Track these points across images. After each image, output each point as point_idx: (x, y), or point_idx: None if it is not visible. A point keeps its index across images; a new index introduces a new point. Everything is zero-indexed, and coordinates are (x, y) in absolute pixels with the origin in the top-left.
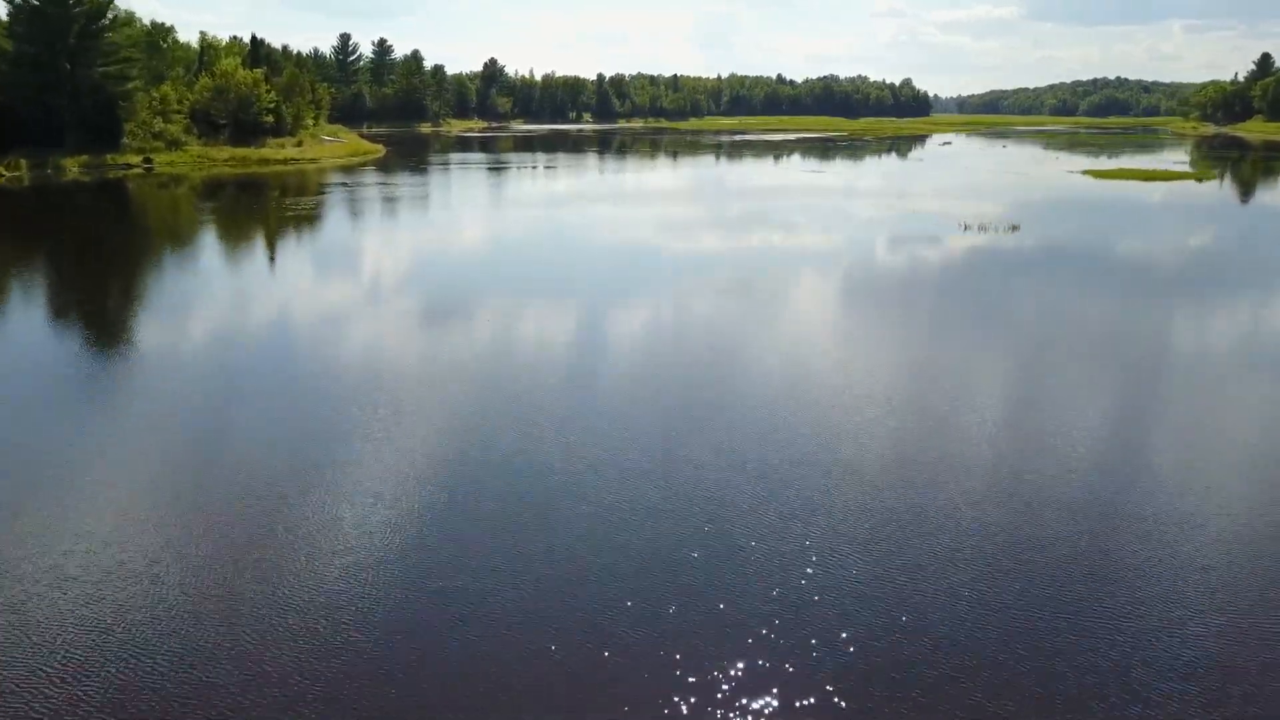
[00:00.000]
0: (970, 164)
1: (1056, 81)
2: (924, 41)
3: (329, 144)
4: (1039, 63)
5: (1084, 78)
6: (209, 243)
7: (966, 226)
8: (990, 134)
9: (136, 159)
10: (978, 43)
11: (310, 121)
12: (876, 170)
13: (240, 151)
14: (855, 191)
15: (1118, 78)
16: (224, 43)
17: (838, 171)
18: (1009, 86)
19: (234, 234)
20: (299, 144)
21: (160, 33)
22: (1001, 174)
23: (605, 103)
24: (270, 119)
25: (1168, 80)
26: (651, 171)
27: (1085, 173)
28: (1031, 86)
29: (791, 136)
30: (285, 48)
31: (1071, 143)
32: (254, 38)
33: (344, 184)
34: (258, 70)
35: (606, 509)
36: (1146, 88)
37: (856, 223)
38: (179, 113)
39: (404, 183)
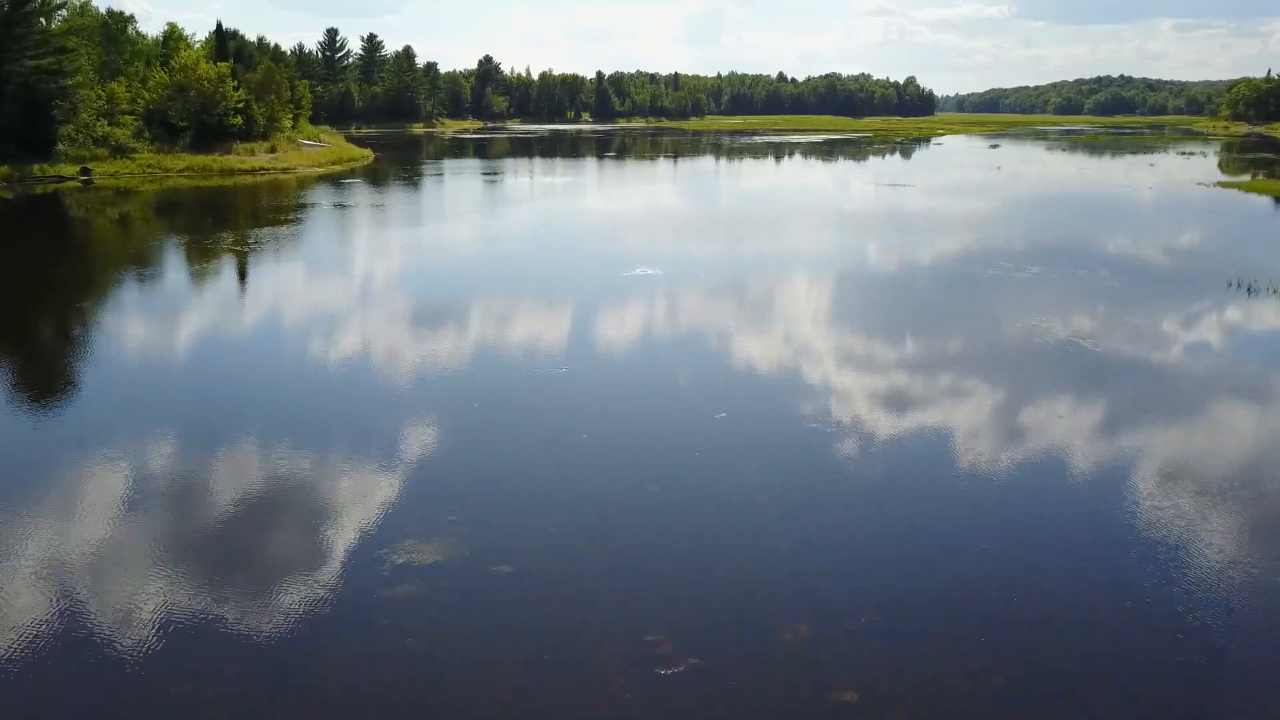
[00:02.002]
0: (1063, 173)
1: (1057, 80)
2: (913, 40)
3: (309, 149)
4: (1028, 61)
5: (1072, 77)
6: (105, 319)
7: (1232, 284)
8: (1018, 135)
9: (72, 170)
10: (968, 41)
11: (288, 123)
12: (969, 184)
13: (200, 159)
14: (995, 220)
15: (1121, 76)
16: (194, 37)
17: (920, 188)
18: (1003, 85)
19: (138, 301)
20: (272, 149)
21: (118, 22)
22: (1123, 188)
23: (605, 102)
24: (238, 121)
25: (1168, 78)
26: (674, 184)
27: (1219, 184)
28: (1032, 85)
29: (815, 138)
30: (261, 40)
31: (1122, 144)
32: (219, 26)
33: (318, 204)
34: (224, 64)
35: None
36: (1152, 85)
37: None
38: (131, 114)
39: (390, 201)
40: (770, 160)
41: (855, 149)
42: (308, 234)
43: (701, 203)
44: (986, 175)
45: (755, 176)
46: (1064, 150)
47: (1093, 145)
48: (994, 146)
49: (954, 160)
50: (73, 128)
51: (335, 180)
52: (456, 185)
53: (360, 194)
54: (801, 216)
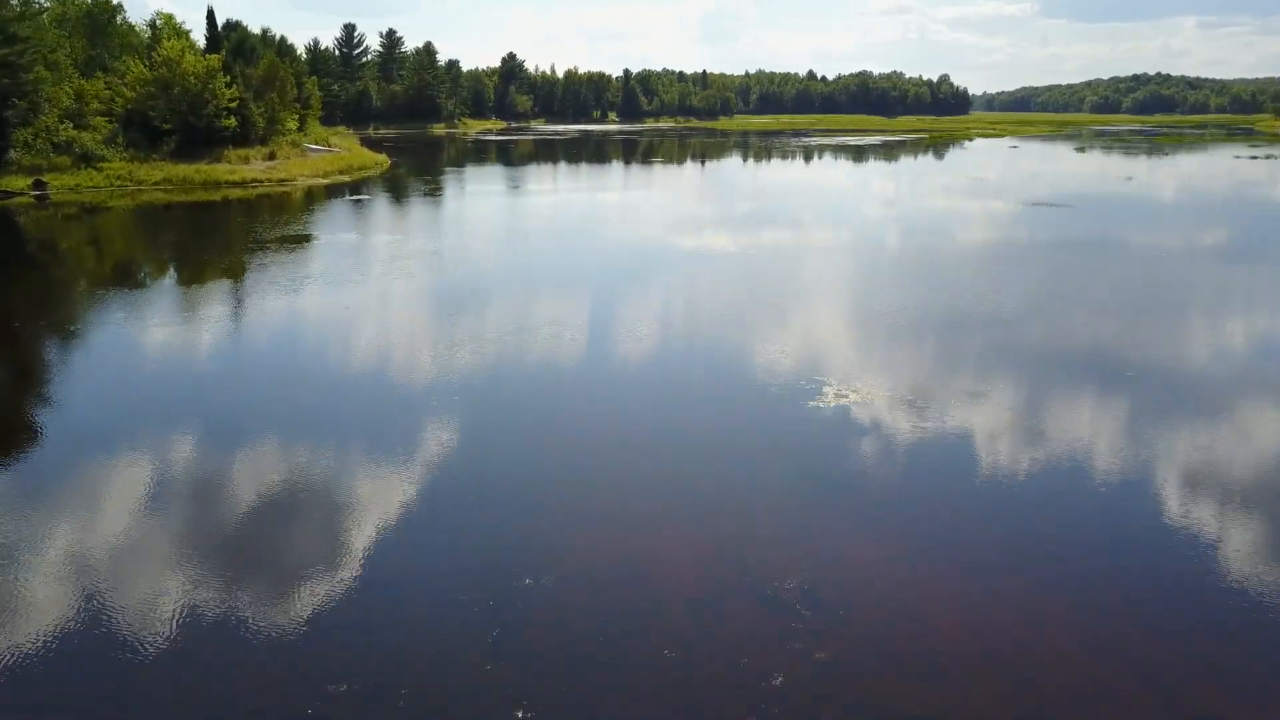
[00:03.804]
0: (1211, 183)
1: (1087, 78)
2: (931, 39)
3: (315, 156)
4: (1046, 60)
5: (1092, 76)
6: None
7: None
8: (1078, 136)
9: (23, 183)
10: (986, 40)
11: (292, 125)
12: (1134, 201)
13: (181, 170)
14: None
15: (1159, 74)
16: (186, 26)
17: (1081, 209)
18: (1028, 84)
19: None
20: (271, 156)
21: (103, 11)
22: None
23: (632, 101)
24: (232, 123)
25: (1190, 75)
26: (746, 201)
27: None
28: (1064, 83)
29: (866, 140)
30: (265, 32)
31: (1205, 145)
32: (210, 13)
33: (308, 236)
34: (214, 56)
35: None
36: (1192, 84)
37: None
38: (106, 116)
39: (402, 232)
40: (845, 167)
41: (925, 153)
42: (267, 305)
43: (810, 236)
44: (1127, 186)
45: (855, 192)
46: (1164, 154)
47: (1179, 146)
48: (1080, 150)
49: (1057, 169)
50: (30, 132)
51: (341, 194)
52: (484, 206)
53: (365, 217)
54: (1017, 268)
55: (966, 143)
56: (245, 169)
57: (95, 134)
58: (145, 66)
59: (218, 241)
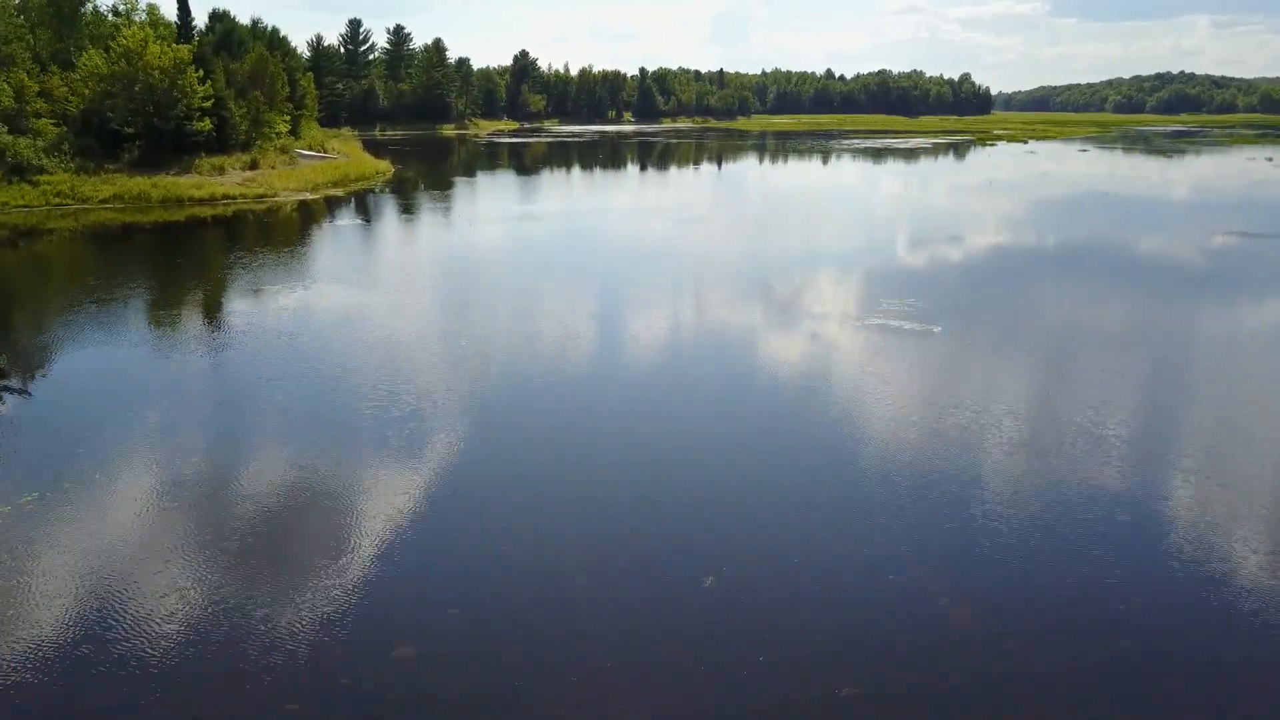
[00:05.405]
0: None
1: (1106, 78)
2: (943, 39)
3: (306, 163)
4: (1056, 59)
5: (1104, 75)
6: None
7: None
8: (1133, 138)
9: None
10: (997, 39)
11: (282, 128)
12: None
13: (138, 183)
14: None
15: (1181, 72)
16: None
17: None
18: (1043, 83)
19: None
20: (252, 165)
21: None
22: None
23: (648, 100)
24: (206, 126)
25: (1217, 75)
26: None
27: None
28: (1085, 82)
29: (912, 143)
30: (256, 23)
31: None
32: None
33: (255, 290)
34: (184, 47)
35: None
36: (1217, 83)
37: None
38: (57, 118)
39: (381, 284)
40: (923, 178)
41: (991, 159)
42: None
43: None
44: None
45: (981, 215)
46: (1268, 158)
47: (1258, 147)
48: (1166, 155)
49: (1180, 177)
50: None
51: (331, 214)
52: (499, 240)
53: (349, 256)
54: None
55: (1022, 145)
56: (217, 182)
57: (35, 140)
58: (100, 57)
59: (135, 292)
